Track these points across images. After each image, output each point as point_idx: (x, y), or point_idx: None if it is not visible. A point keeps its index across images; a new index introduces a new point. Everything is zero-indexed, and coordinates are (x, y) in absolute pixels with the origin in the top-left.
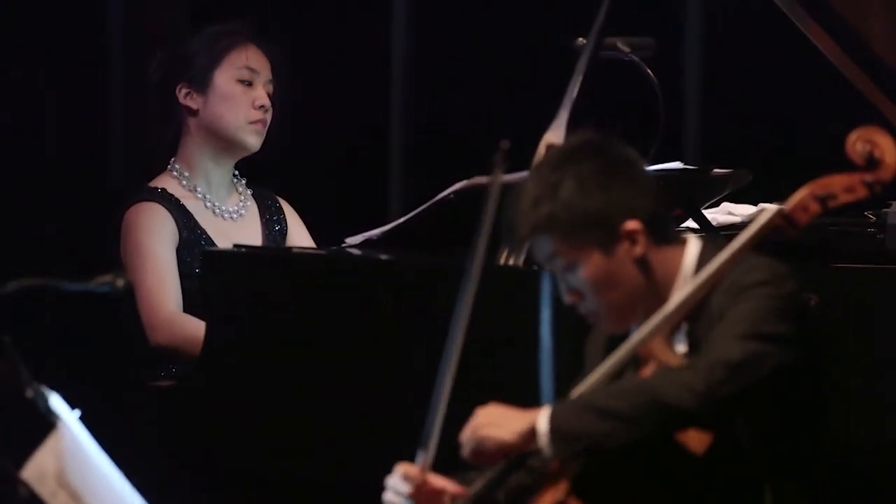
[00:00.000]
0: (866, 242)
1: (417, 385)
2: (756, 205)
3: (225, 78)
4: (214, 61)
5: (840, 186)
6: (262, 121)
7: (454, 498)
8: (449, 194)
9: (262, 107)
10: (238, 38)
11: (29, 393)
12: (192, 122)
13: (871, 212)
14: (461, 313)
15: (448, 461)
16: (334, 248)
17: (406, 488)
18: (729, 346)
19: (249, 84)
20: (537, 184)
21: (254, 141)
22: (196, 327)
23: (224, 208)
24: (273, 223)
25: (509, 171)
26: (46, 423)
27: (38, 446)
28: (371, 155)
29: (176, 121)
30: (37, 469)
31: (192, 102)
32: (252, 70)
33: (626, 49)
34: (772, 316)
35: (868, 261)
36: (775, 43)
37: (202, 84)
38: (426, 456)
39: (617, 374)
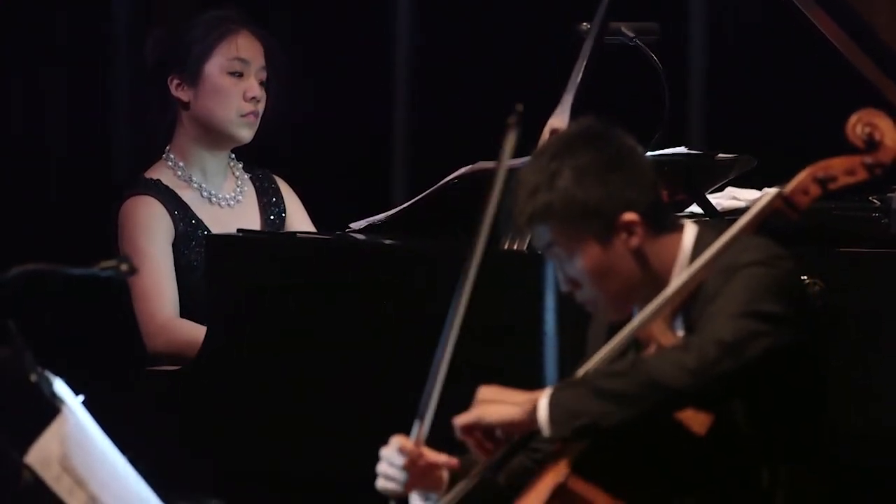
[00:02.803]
0: (870, 227)
1: (421, 370)
2: (761, 190)
3: (215, 70)
4: (204, 53)
5: (840, 169)
6: (253, 112)
7: (453, 474)
8: (453, 179)
9: (253, 98)
10: (228, 26)
11: (33, 378)
12: (184, 113)
13: (875, 196)
14: (463, 291)
15: (450, 446)
16: (338, 232)
17: (401, 461)
18: (722, 324)
19: (240, 75)
20: (535, 173)
21: (246, 133)
22: (193, 331)
23: (220, 196)
24: (271, 206)
25: (515, 155)
26: (51, 408)
27: (42, 431)
28: (375, 139)
29: (172, 108)
30: (41, 454)
31: (183, 94)
32: (242, 60)
33: (631, 34)
34: (766, 295)
35: (872, 245)
36: (780, 28)
37: (192, 77)
38: (421, 428)
39: (617, 357)
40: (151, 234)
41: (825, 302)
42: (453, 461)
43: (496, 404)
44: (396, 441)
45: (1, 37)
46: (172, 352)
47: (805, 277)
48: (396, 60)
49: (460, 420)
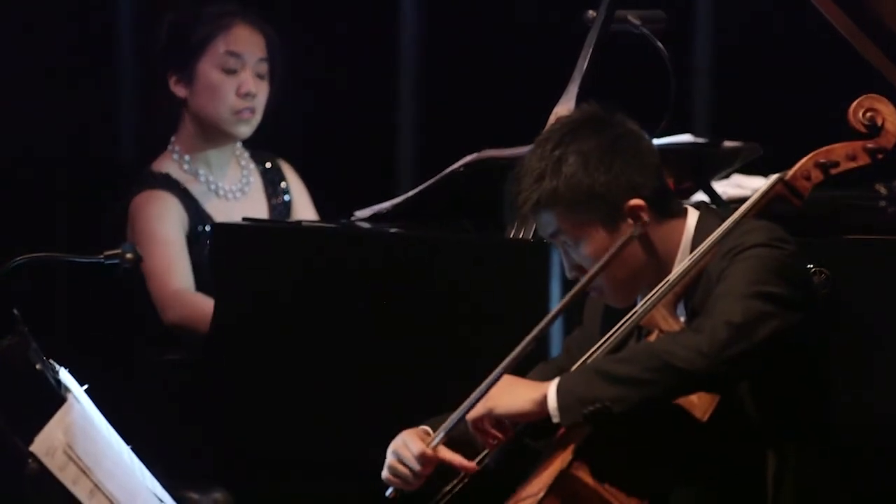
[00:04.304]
0: (877, 215)
1: (426, 357)
2: (767, 178)
3: (208, 67)
4: (197, 50)
5: (842, 154)
6: (248, 108)
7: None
8: (459, 167)
9: (247, 94)
10: (223, 21)
11: (38, 367)
12: (184, 109)
13: (881, 185)
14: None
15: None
16: (344, 221)
17: (419, 466)
18: (730, 306)
19: (234, 71)
20: (540, 159)
21: (242, 130)
22: (206, 302)
23: (227, 188)
24: (277, 193)
25: (519, 145)
26: (56, 398)
27: (47, 420)
28: (381, 128)
29: (177, 101)
30: (46, 443)
31: (181, 91)
32: (236, 56)
33: (637, 22)
34: (772, 276)
35: (878, 233)
36: (786, 16)
37: (188, 74)
38: (444, 437)
39: (620, 344)
40: (164, 220)
41: (831, 290)
42: (472, 466)
43: (506, 394)
44: (415, 446)
45: (3, 27)
46: (186, 323)
47: (811, 266)
48: (402, 49)
49: (472, 414)
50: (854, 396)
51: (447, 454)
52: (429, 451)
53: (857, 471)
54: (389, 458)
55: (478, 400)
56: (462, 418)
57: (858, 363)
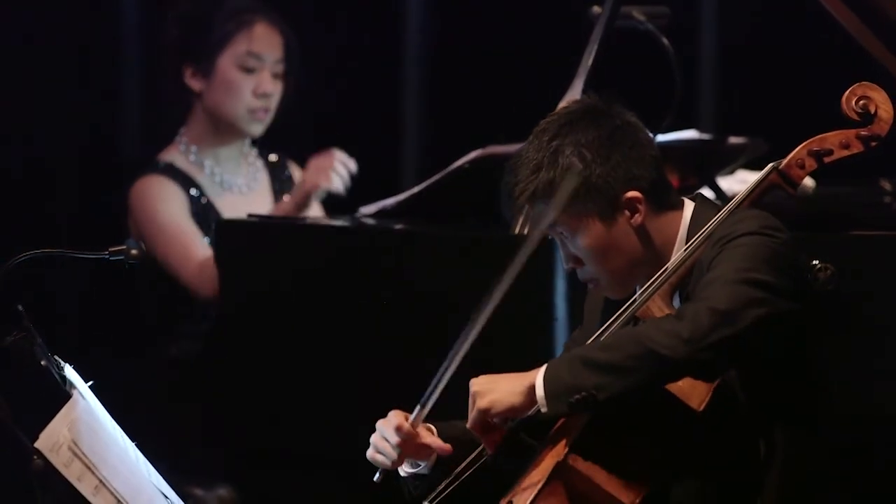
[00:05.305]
0: (882, 211)
1: (426, 353)
2: None
3: (227, 64)
4: (217, 46)
5: (835, 142)
6: (263, 108)
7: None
8: (463, 164)
9: (263, 94)
10: (244, 17)
11: (43, 363)
12: (197, 102)
13: (886, 181)
14: (496, 292)
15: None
16: (349, 217)
17: (395, 439)
18: (716, 292)
19: (253, 70)
20: (537, 150)
21: (255, 129)
22: None
23: (233, 182)
24: (284, 192)
25: (524, 141)
26: (61, 394)
27: (52, 417)
28: (386, 124)
29: (186, 93)
30: (51, 439)
31: (196, 84)
32: (256, 56)
33: (642, 18)
34: (761, 263)
35: (882, 229)
36: (790, 11)
37: (206, 68)
38: (421, 412)
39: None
40: (167, 205)
41: (837, 286)
42: (447, 448)
43: (495, 393)
44: (394, 419)
45: (2, 23)
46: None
47: (816, 262)
48: (407, 45)
49: (471, 424)
50: (858, 391)
51: (425, 434)
52: (405, 424)
53: (860, 467)
54: (373, 437)
55: (447, 369)
56: (436, 389)
57: (863, 358)
